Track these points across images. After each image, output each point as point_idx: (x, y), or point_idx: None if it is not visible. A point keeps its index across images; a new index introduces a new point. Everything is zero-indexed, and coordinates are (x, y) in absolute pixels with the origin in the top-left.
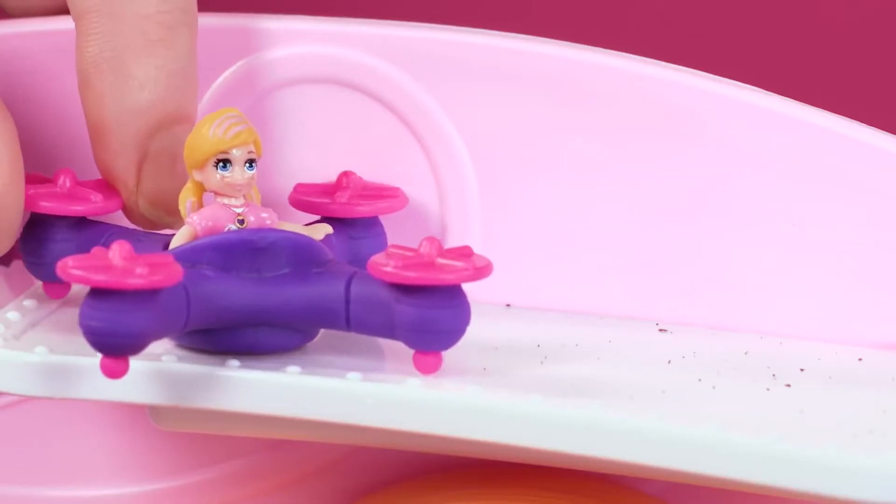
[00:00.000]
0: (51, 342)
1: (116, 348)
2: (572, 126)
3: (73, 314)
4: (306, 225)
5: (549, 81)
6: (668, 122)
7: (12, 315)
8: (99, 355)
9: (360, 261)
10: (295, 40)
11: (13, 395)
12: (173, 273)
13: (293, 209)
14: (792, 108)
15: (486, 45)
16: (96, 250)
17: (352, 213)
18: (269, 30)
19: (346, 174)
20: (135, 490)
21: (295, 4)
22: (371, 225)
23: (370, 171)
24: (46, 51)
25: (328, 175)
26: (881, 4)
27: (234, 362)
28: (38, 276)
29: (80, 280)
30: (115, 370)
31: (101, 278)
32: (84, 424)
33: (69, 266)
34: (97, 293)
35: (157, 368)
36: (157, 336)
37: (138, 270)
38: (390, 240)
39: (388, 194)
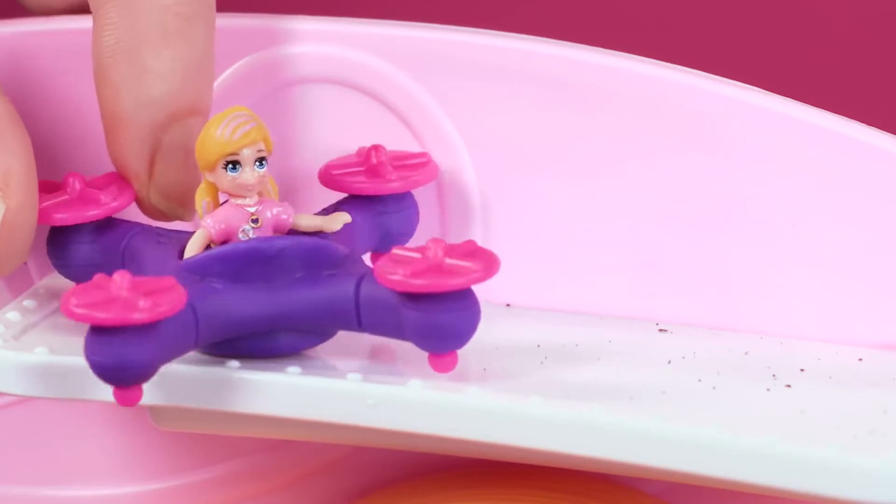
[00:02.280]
0: (51, 342)
1: (125, 380)
2: (572, 126)
3: None
4: (324, 214)
5: (549, 81)
6: (668, 122)
7: (12, 315)
8: None
9: (389, 237)
10: (295, 40)
11: (13, 395)
12: (177, 299)
13: (323, 188)
14: (792, 108)
15: (486, 45)
16: (98, 279)
17: (383, 191)
18: (269, 30)
19: (375, 148)
20: (135, 490)
21: (295, 4)
22: (401, 199)
23: None
24: (58, 50)
25: None
26: (881, 4)
27: (234, 363)
28: (69, 278)
29: (84, 319)
30: (128, 399)
31: (104, 316)
32: (84, 424)
33: (72, 304)
34: (101, 328)
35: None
36: (167, 360)
37: (141, 303)
38: None
39: (418, 165)
